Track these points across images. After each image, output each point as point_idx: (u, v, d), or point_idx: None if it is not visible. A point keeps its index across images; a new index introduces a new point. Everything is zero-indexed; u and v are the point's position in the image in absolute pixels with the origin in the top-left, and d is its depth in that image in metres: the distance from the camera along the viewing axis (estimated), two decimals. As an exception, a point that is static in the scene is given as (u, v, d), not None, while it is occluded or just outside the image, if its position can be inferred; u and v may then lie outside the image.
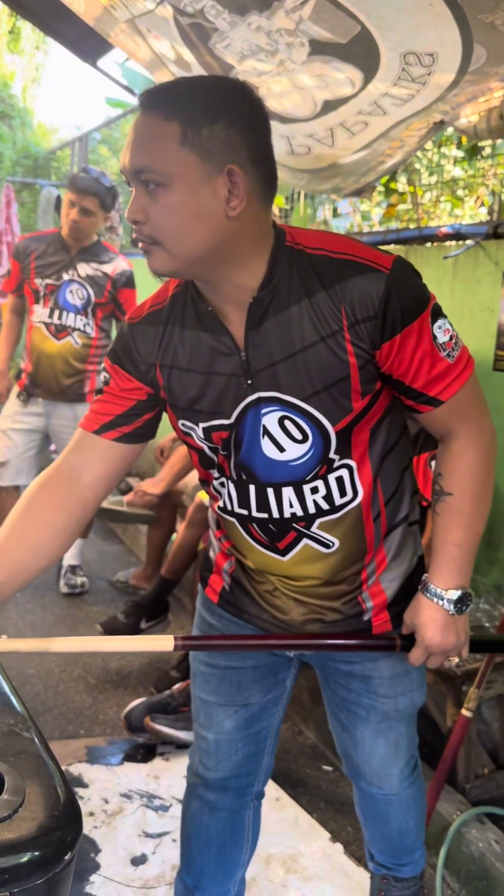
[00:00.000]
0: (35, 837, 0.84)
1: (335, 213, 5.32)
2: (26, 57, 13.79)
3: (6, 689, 1.13)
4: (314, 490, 1.24)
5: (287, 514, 1.26)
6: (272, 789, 2.29)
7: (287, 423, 1.19)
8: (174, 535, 3.27)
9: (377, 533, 1.30)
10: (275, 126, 2.63)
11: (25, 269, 3.32)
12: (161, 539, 3.41)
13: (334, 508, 1.26)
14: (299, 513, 1.26)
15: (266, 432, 1.20)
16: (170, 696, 2.48)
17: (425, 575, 1.29)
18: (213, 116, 1.03)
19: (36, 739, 1.01)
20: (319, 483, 1.23)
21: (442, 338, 1.15)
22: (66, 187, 3.40)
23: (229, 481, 1.28)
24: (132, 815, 2.15)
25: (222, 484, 1.30)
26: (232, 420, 1.21)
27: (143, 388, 1.26)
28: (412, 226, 3.74)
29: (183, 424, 1.26)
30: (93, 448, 1.28)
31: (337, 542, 1.28)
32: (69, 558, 3.66)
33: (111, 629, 2.91)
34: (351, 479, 1.24)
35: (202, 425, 1.24)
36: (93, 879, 1.91)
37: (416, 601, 1.29)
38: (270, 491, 1.24)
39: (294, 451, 1.20)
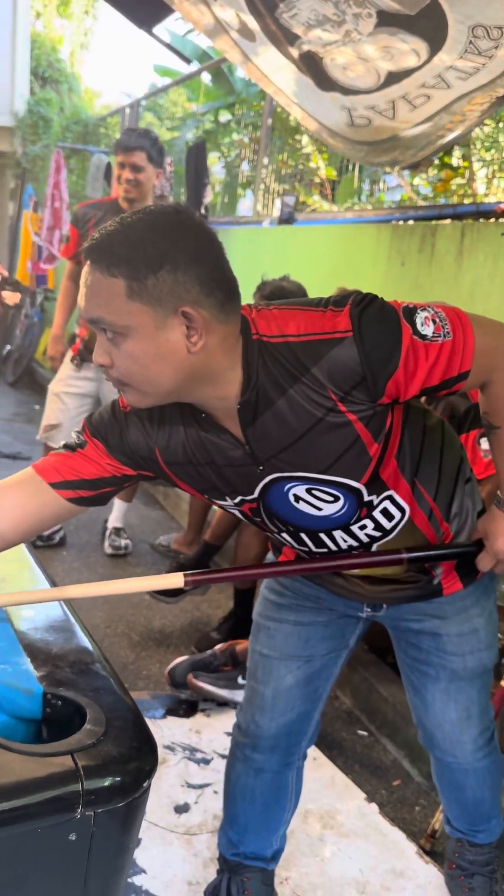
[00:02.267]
0: (117, 764, 0.91)
1: (385, 188, 5.28)
2: (75, 21, 13.76)
3: (81, 633, 1.20)
4: (363, 527, 1.29)
5: (345, 547, 1.32)
6: (309, 749, 2.35)
7: (315, 491, 1.21)
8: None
9: (436, 526, 1.35)
10: (336, 97, 2.63)
11: (84, 236, 3.37)
12: (203, 506, 3.47)
13: (387, 532, 1.31)
14: (356, 544, 1.31)
15: (298, 499, 1.23)
16: (212, 655, 2.56)
17: (499, 491, 1.31)
18: (156, 265, 1.01)
19: (112, 678, 1.08)
20: (366, 521, 1.28)
21: (429, 331, 1.11)
22: (113, 153, 3.42)
23: (277, 533, 1.33)
24: (175, 766, 2.24)
25: (272, 534, 1.35)
26: (256, 495, 1.24)
27: (124, 468, 1.24)
28: (467, 201, 3.71)
29: (209, 499, 1.29)
30: (36, 496, 1.23)
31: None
32: (113, 521, 3.75)
33: (155, 590, 2.99)
34: (394, 504, 1.28)
35: (228, 501, 1.27)
36: (138, 823, 2.00)
37: (490, 513, 1.32)
38: (322, 535, 1.30)
39: (330, 509, 1.24)
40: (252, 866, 1.63)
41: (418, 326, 1.11)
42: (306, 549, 1.34)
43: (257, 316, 1.14)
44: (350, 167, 4.79)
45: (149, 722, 2.51)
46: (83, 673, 1.07)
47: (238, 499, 1.26)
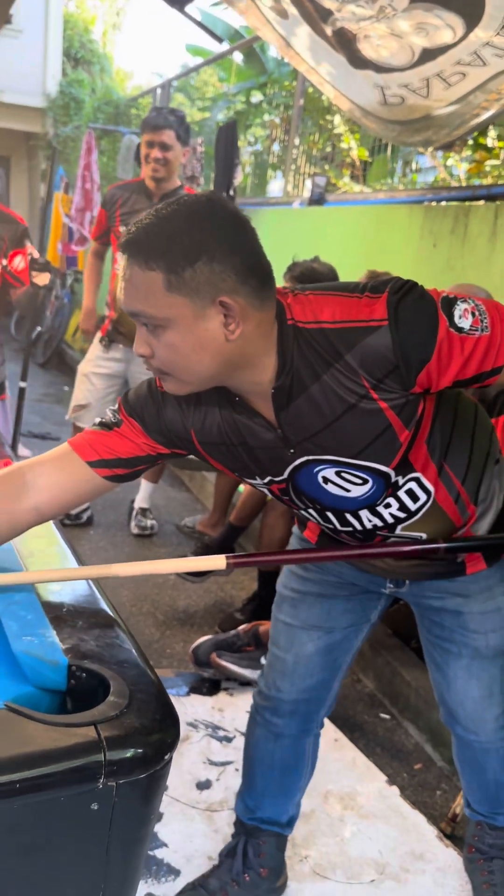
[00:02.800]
0: (139, 736, 0.92)
1: (417, 169, 5.20)
2: (107, 1, 13.70)
3: (107, 608, 1.21)
4: (387, 506, 1.29)
5: (369, 527, 1.33)
6: (331, 731, 2.36)
7: (344, 474, 1.22)
8: (242, 486, 3.34)
9: (462, 509, 1.34)
10: (369, 75, 2.60)
11: (111, 217, 3.37)
12: (228, 488, 3.48)
13: (411, 514, 1.31)
14: (380, 524, 1.32)
15: (327, 481, 1.24)
16: (235, 635, 2.57)
17: None
18: (193, 257, 1.02)
19: (136, 652, 1.09)
20: (391, 500, 1.28)
21: (467, 323, 1.10)
22: (140, 132, 3.41)
23: (304, 509, 1.34)
24: (198, 742, 2.26)
25: (298, 511, 1.36)
26: (285, 477, 1.25)
27: (159, 447, 1.26)
28: (501, 182, 3.65)
29: (240, 476, 1.31)
30: (73, 473, 1.24)
31: (425, 535, 1.34)
32: (140, 501, 3.77)
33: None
34: (420, 486, 1.28)
35: (258, 480, 1.29)
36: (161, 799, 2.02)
37: None
38: (348, 514, 1.31)
39: (358, 491, 1.24)
40: (268, 831, 1.67)
41: (455, 319, 1.10)
42: (331, 525, 1.35)
43: (293, 301, 1.14)
44: (383, 148, 4.72)
45: (172, 699, 2.54)
46: (108, 646, 1.08)
47: (267, 479, 1.27)
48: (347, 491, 1.24)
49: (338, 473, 1.21)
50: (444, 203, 3.21)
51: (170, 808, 2.00)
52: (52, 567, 1.36)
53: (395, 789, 2.14)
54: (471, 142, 3.82)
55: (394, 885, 1.81)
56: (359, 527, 1.33)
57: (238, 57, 8.83)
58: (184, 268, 1.02)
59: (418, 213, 3.28)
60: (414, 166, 4.67)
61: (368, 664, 2.73)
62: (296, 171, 4.83)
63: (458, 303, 1.11)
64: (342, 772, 2.19)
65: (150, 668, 1.06)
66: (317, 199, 4.04)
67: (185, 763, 2.17)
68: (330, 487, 1.24)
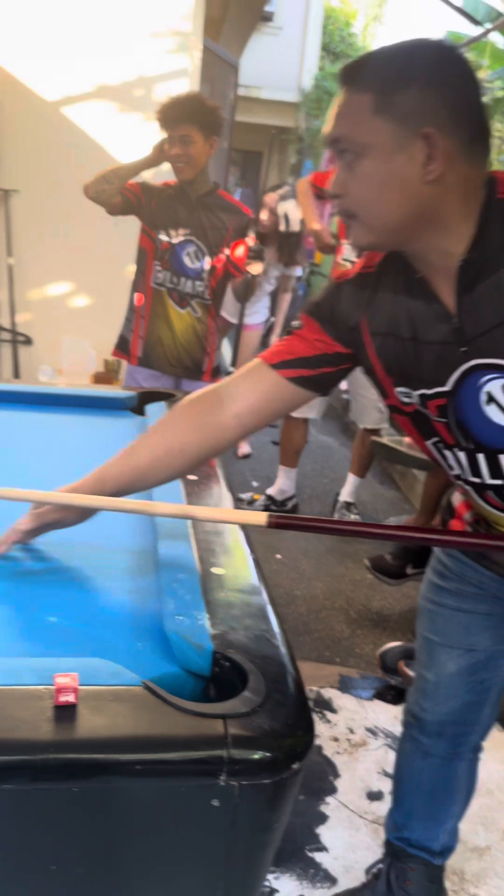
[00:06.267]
0: (268, 739, 0.87)
1: None
2: (370, -5, 13.66)
3: (265, 598, 1.18)
4: None
5: None
6: (522, 765, 2.16)
7: None
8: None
9: None
10: None
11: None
12: (437, 489, 3.31)
13: None
14: None
15: (491, 399, 1.09)
16: (427, 646, 2.44)
17: None
18: (406, 81, 0.97)
19: (283, 650, 1.04)
20: None
21: None
22: None
23: (455, 449, 1.20)
24: (375, 751, 2.18)
25: (448, 452, 1.21)
26: (449, 387, 1.12)
27: (335, 345, 1.22)
28: None
29: (399, 392, 1.19)
30: (262, 379, 1.25)
31: None
32: (345, 495, 3.72)
33: (378, 567, 2.93)
34: None
35: (418, 392, 1.17)
36: (328, 801, 1.97)
37: None
38: (503, 458, 1.15)
39: None
40: (416, 856, 1.57)
41: None
42: (479, 479, 1.19)
43: None
44: None
45: (355, 700, 2.47)
46: (256, 638, 1.05)
47: (426, 391, 1.14)
48: None
49: None
50: None
51: (337, 812, 1.94)
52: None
53: None
54: None
55: None
56: None
57: (501, 42, 8.35)
58: (394, 91, 0.97)
59: None
60: None
61: None
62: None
63: None
64: (530, 812, 1.99)
65: (295, 668, 1.00)
66: None
67: (359, 769, 2.10)
68: (492, 410, 1.09)
